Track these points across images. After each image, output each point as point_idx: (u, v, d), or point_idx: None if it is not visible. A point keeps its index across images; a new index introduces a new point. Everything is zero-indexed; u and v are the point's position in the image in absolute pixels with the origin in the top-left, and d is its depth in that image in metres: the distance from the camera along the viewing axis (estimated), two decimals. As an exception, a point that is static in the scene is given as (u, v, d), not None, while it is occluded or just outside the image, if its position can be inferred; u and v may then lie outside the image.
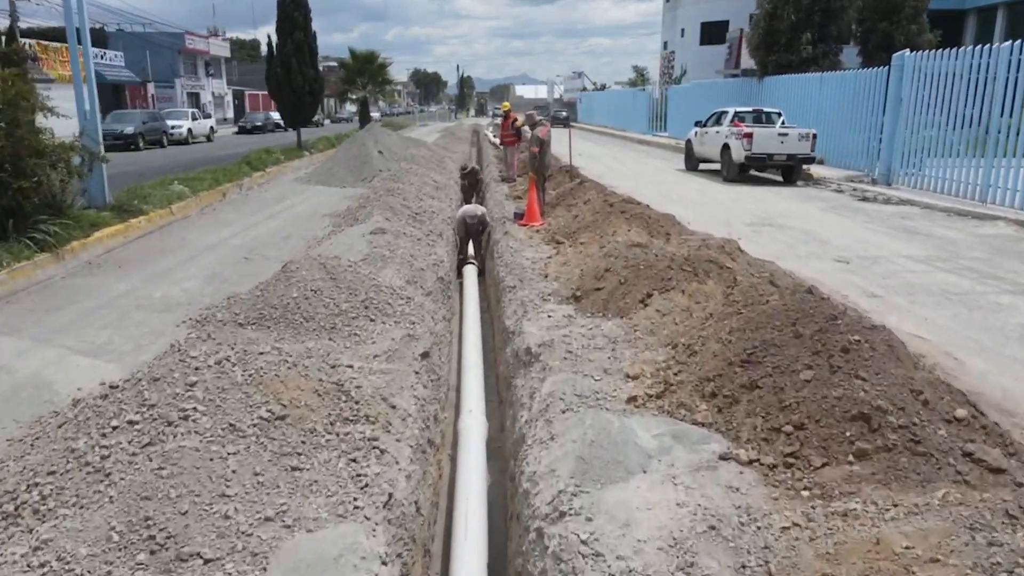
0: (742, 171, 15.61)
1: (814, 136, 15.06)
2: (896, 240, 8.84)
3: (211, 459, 2.65)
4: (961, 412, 3.13)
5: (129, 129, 25.81)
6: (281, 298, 4.95)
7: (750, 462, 3.13)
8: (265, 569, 2.26)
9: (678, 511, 2.73)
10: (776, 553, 2.50)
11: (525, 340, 4.94)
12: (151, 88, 40.29)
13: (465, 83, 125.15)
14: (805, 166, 15.60)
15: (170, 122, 29.70)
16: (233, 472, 2.63)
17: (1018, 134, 11.13)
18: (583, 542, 2.61)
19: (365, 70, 29.24)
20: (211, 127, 33.65)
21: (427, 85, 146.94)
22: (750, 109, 16.97)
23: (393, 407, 3.67)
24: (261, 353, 3.46)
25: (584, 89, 62.48)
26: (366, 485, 2.84)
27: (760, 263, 6.51)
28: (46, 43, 29.30)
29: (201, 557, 2.28)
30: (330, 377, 3.61)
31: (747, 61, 34.52)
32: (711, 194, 13.59)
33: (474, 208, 9.76)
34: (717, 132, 16.42)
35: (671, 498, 2.83)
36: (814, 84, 18.75)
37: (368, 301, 5.27)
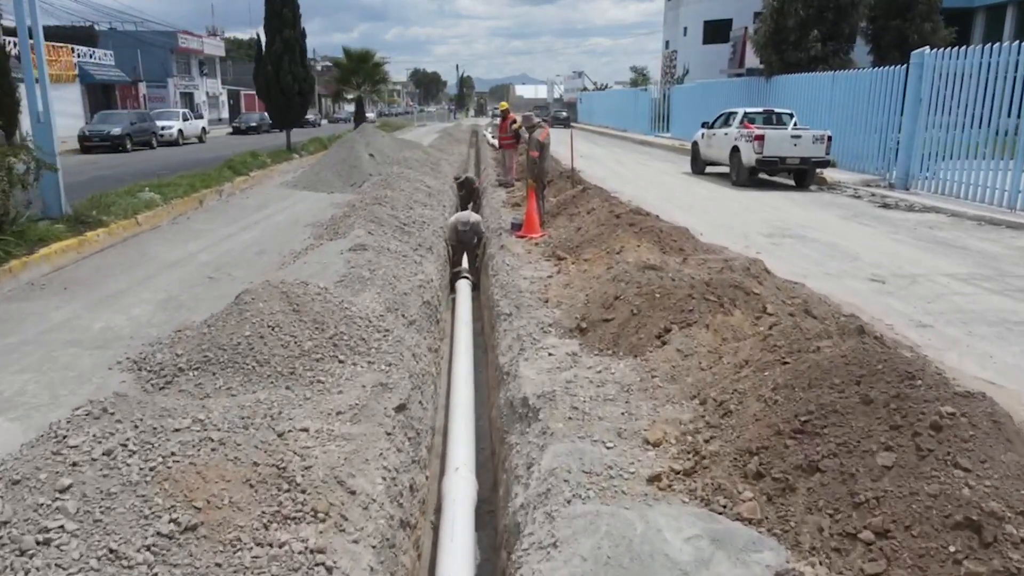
0: (752, 175, 14.84)
1: (829, 138, 14.28)
2: (930, 254, 8.05)
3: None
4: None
5: (116, 130, 25.01)
6: (231, 336, 4.16)
7: (822, 588, 2.34)
8: None
9: None
10: None
11: (522, 388, 4.15)
12: (142, 88, 39.47)
13: (465, 83, 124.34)
14: (819, 170, 14.82)
15: (160, 123, 28.90)
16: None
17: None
18: None
19: (360, 69, 28.41)
20: (203, 128, 32.85)
21: (427, 85, 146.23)
22: (760, 110, 16.19)
23: (352, 492, 2.88)
24: (176, 430, 2.67)
25: (584, 89, 61.66)
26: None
27: (790, 286, 5.72)
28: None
29: None
30: (271, 455, 2.82)
31: (751, 60, 33.77)
32: (721, 200, 12.81)
33: (467, 215, 8.98)
34: (726, 134, 15.63)
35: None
36: (826, 83, 17.96)
37: (338, 337, 4.48)
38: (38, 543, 2.02)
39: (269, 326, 4.27)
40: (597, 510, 2.66)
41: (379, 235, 7.50)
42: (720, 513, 2.76)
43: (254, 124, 38.34)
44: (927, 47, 14.36)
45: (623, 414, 3.66)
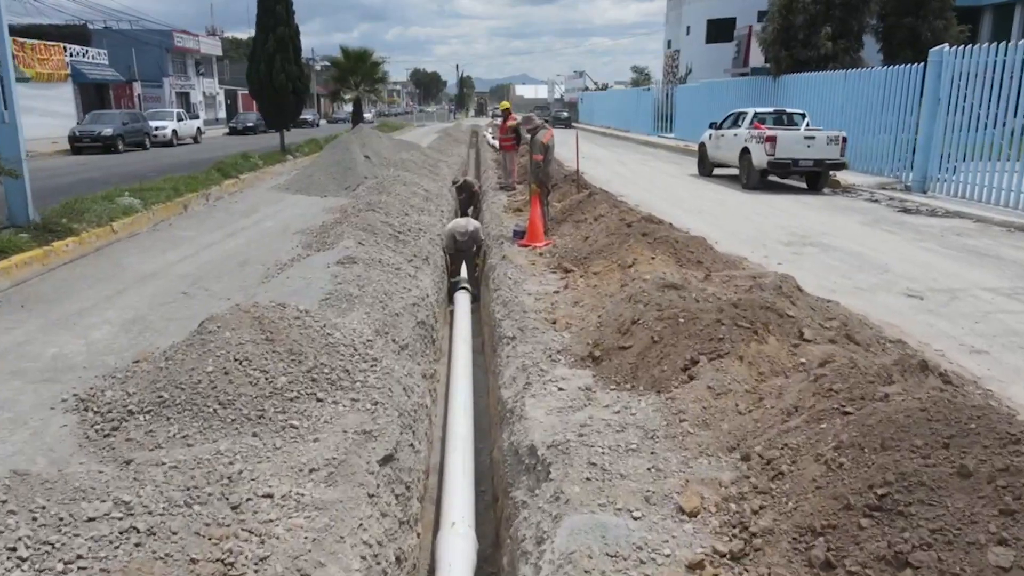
0: (763, 178, 14.26)
1: (844, 139, 13.70)
2: (965, 265, 7.47)
3: None
4: None
5: (108, 130, 24.41)
6: (191, 373, 3.58)
7: None
8: None
9: None
10: None
11: (529, 433, 3.57)
12: (137, 87, 38.87)
13: (465, 83, 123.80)
14: (832, 172, 14.25)
15: (153, 123, 28.29)
16: None
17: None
18: None
19: (358, 69, 27.85)
20: (198, 128, 32.25)
21: (427, 85, 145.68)
22: (771, 110, 15.61)
23: (320, 591, 2.30)
24: (90, 520, 2.09)
25: (586, 89, 61.05)
26: None
27: (824, 305, 5.15)
28: (22, 40, 27.91)
29: None
30: (218, 544, 2.24)
31: (756, 59, 33.22)
32: (732, 205, 12.23)
33: (465, 223, 8.40)
34: (735, 135, 15.05)
35: None
36: (837, 82, 17.38)
37: (317, 370, 3.91)
38: None
39: (236, 359, 3.69)
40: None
41: (371, 245, 6.93)
42: (785, 622, 2.18)
43: (251, 124, 37.74)
44: (946, 44, 13.78)
45: (650, 470, 3.09)
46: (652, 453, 3.24)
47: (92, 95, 34.29)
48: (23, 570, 1.81)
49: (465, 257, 8.73)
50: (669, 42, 48.41)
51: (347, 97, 30.32)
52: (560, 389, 4.05)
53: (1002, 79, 11.54)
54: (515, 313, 5.47)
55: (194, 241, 8.45)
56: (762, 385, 3.69)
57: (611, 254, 6.76)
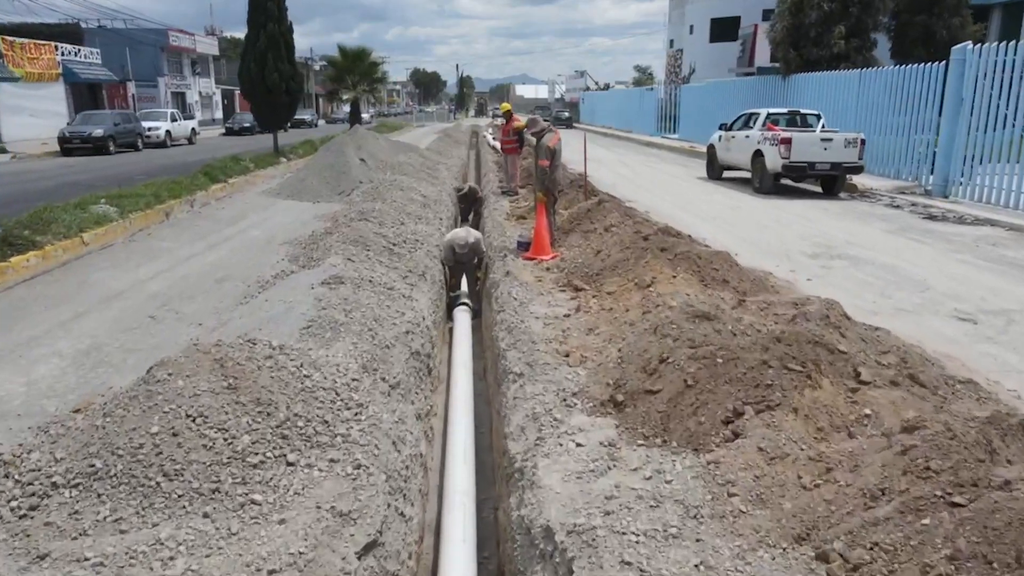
0: (776, 181, 13.63)
1: (862, 142, 13.06)
2: (1011, 281, 6.84)
3: None
4: None
5: (98, 131, 23.77)
6: (132, 435, 2.94)
7: None
8: None
9: None
10: None
11: (543, 508, 2.94)
12: (131, 87, 38.20)
13: (465, 83, 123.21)
14: (849, 176, 13.61)
15: (146, 124, 27.65)
16: None
17: None
18: None
19: (355, 68, 27.16)
20: (192, 129, 31.62)
21: (426, 85, 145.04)
22: (785, 111, 14.98)
23: None
24: None
25: (587, 89, 60.38)
26: None
27: (874, 335, 4.51)
28: (12, 39, 27.25)
29: None
30: None
31: (762, 59, 32.59)
32: (746, 210, 11.60)
33: (465, 234, 7.76)
34: (747, 137, 14.41)
35: None
36: (852, 82, 16.74)
37: (290, 423, 3.28)
38: None
39: (189, 416, 3.06)
40: None
41: (361, 261, 6.29)
42: None
43: (248, 125, 37.00)
44: (969, 42, 13.16)
45: (698, 567, 2.45)
46: (698, 540, 2.61)
47: (85, 95, 33.62)
48: None
49: (465, 270, 8.10)
50: (672, 41, 47.77)
51: (345, 97, 29.69)
52: (578, 445, 3.41)
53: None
54: (522, 343, 4.84)
55: (172, 253, 7.80)
56: (825, 448, 3.05)
57: (626, 271, 6.12)
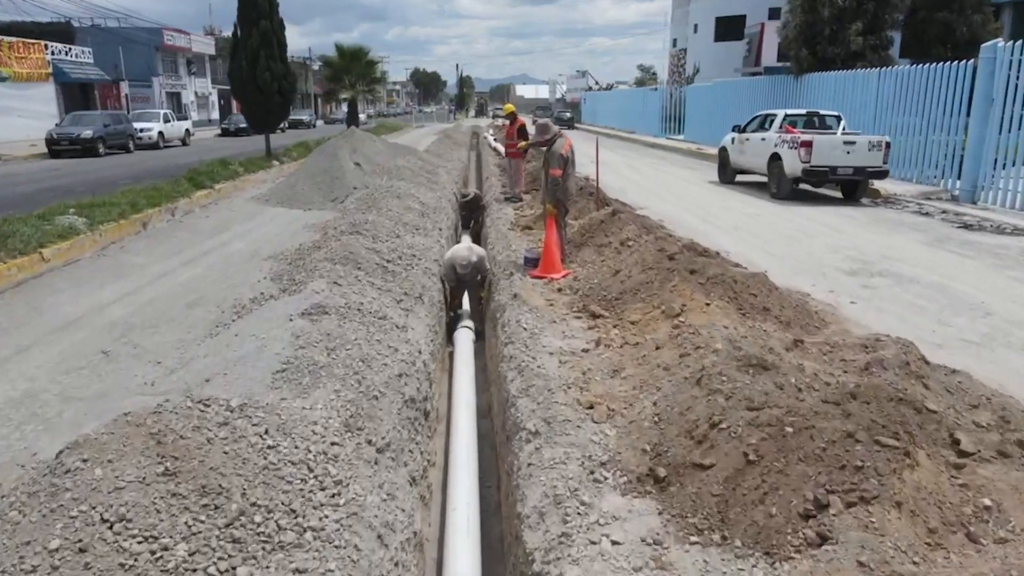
0: (794, 186, 12.90)
1: (887, 145, 12.32)
2: (1081, 305, 6.10)
3: None
4: None
5: (87, 133, 23.04)
6: (23, 554, 2.21)
7: None
8: None
9: None
10: None
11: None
12: (124, 87, 37.42)
13: (465, 83, 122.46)
14: (872, 181, 12.87)
15: (138, 124, 26.87)
16: None
17: None
18: None
19: (353, 68, 26.47)
20: (187, 129, 30.84)
21: (426, 85, 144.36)
22: (802, 112, 14.23)
23: None
24: None
25: (589, 89, 59.57)
26: None
27: (955, 381, 3.77)
28: (0, 38, 26.52)
29: None
30: None
31: (769, 58, 31.87)
32: (767, 218, 10.86)
33: (468, 252, 7.02)
34: (763, 139, 13.67)
35: None
36: (871, 81, 15.99)
37: (245, 516, 2.54)
38: None
39: (106, 521, 2.32)
40: None
41: (350, 284, 5.54)
42: None
43: (244, 126, 36.22)
44: (999, 40, 12.42)
45: None
46: None
47: (76, 95, 32.86)
48: None
49: (468, 288, 7.37)
50: (675, 40, 47.01)
51: (342, 97, 28.99)
52: (614, 543, 2.68)
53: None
54: (536, 389, 4.09)
55: (143, 271, 7.06)
56: (943, 559, 2.32)
57: (651, 295, 5.39)
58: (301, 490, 2.83)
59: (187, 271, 7.10)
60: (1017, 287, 6.72)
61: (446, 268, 7.07)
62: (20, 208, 8.64)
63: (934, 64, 14.10)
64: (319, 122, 52.23)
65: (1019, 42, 11.50)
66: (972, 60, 12.89)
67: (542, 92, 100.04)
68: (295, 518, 2.68)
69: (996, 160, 11.92)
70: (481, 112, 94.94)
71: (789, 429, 2.90)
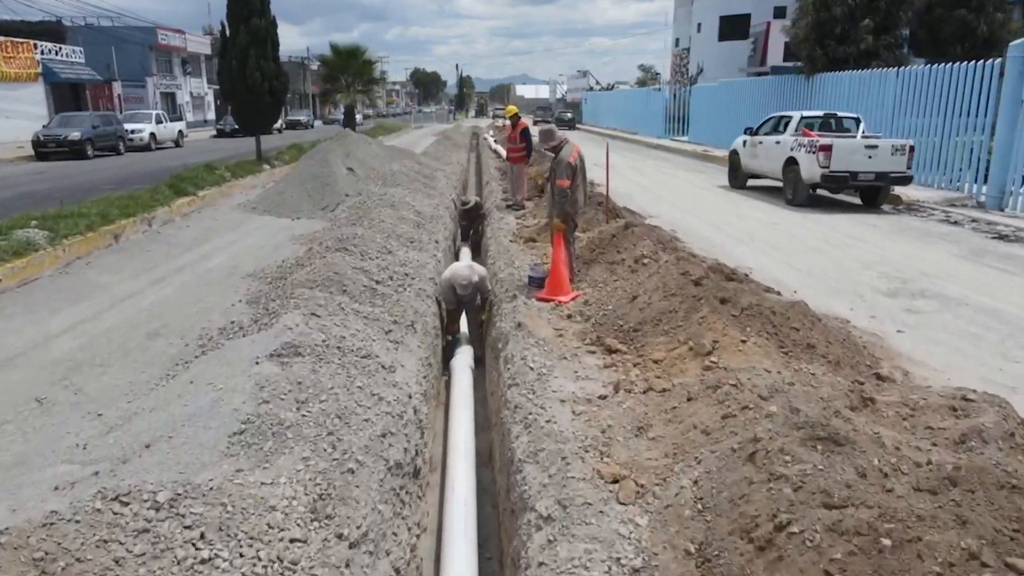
0: (812, 192, 12.21)
1: (911, 149, 11.64)
2: None
3: None
4: None
5: (75, 134, 22.31)
6: None
7: None
8: None
9: None
10: None
11: None
12: (117, 87, 36.69)
13: (465, 83, 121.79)
14: (894, 188, 12.19)
15: (129, 126, 26.13)
16: None
17: None
18: None
19: (349, 67, 25.77)
20: (180, 131, 30.09)
21: (426, 85, 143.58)
22: (819, 114, 13.53)
23: None
24: None
25: (590, 89, 58.85)
26: None
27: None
28: (-13, 37, 25.83)
29: None
30: None
31: (775, 57, 31.22)
32: (787, 228, 10.17)
33: (468, 271, 6.34)
34: (777, 143, 12.98)
35: None
36: (888, 82, 15.31)
37: None
38: None
39: None
40: None
41: (331, 314, 4.85)
42: None
43: (239, 127, 35.59)
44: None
45: None
46: None
47: (67, 95, 32.13)
48: None
49: (467, 310, 6.69)
50: (677, 40, 46.33)
51: (339, 97, 28.30)
52: None
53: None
54: (546, 454, 3.40)
55: (106, 292, 6.36)
56: None
57: (675, 328, 4.70)
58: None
59: (155, 292, 6.40)
60: (1079, 311, 6.03)
61: (444, 288, 6.38)
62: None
63: (957, 63, 13.41)
64: (317, 123, 51.50)
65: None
66: (999, 59, 12.22)
67: (542, 92, 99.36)
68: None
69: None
70: (481, 112, 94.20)
71: (886, 541, 2.21)
